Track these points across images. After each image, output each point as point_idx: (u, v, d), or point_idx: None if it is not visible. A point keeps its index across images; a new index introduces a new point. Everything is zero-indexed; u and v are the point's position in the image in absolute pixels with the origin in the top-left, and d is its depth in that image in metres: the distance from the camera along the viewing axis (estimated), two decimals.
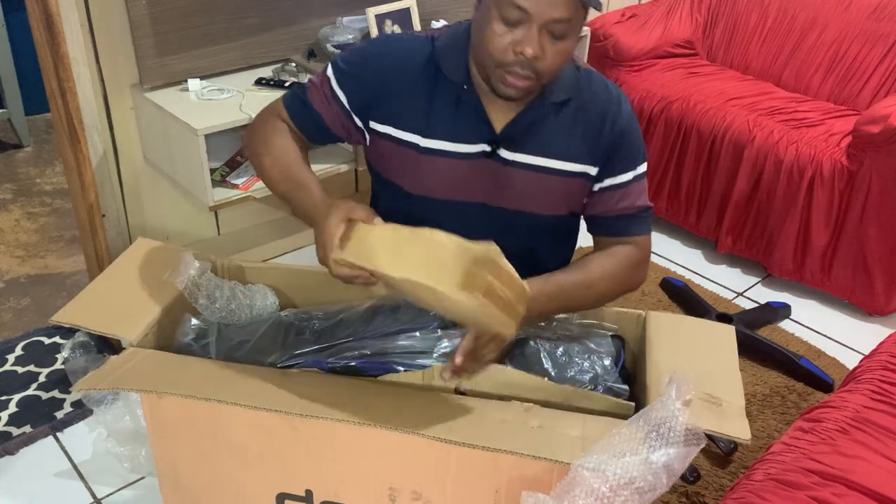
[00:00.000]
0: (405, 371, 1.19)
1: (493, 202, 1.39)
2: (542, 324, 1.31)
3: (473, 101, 1.33)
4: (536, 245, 1.44)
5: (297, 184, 1.33)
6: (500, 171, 1.36)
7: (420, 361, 1.21)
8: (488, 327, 1.10)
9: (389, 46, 1.39)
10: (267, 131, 1.41)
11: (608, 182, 1.40)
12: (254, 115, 2.07)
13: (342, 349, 1.25)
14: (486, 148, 1.34)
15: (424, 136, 1.35)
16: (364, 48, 1.42)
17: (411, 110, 1.35)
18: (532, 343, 1.25)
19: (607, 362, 1.24)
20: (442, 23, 2.60)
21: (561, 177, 1.37)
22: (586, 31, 2.84)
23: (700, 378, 1.16)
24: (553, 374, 1.21)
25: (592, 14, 3.15)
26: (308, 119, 1.41)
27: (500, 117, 1.34)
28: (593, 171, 1.39)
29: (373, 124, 1.38)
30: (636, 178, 1.42)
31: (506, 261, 1.06)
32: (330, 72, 1.39)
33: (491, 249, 1.04)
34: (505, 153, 1.35)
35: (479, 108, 1.33)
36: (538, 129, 1.35)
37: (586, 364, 1.23)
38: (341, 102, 1.38)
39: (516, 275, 1.07)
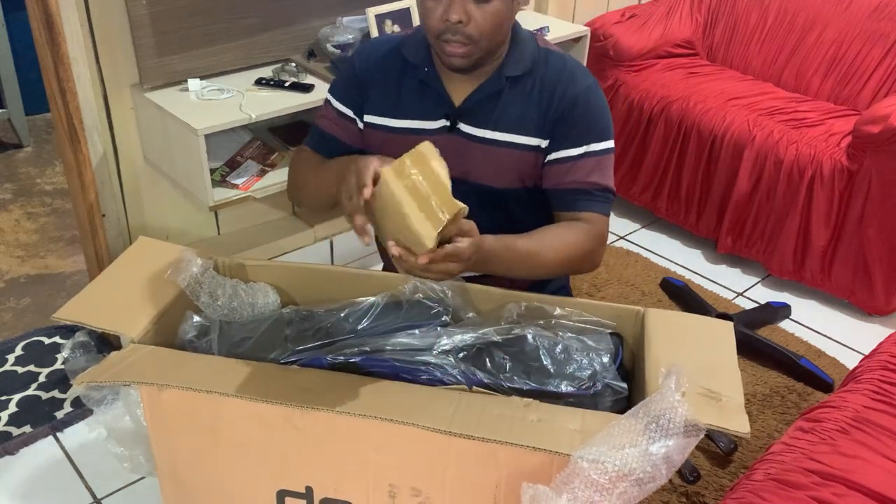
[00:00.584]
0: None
1: (461, 176, 1.43)
2: (541, 322, 1.31)
3: (433, 79, 1.45)
4: (509, 220, 1.48)
5: (328, 168, 1.46)
6: (462, 145, 1.45)
7: (419, 358, 1.21)
8: (407, 226, 1.12)
9: (364, 49, 1.54)
10: (298, 167, 1.59)
11: (556, 155, 1.44)
12: (254, 115, 2.09)
13: (342, 346, 1.26)
14: (447, 123, 1.45)
15: (394, 117, 1.48)
16: (348, 60, 1.58)
17: (384, 97, 1.48)
18: (531, 340, 1.26)
19: (606, 359, 1.24)
20: None
21: (513, 149, 1.45)
22: (586, 31, 2.84)
23: (699, 373, 1.16)
24: (552, 370, 1.22)
25: (591, 14, 3.15)
26: (326, 145, 1.55)
27: (458, 93, 1.45)
28: (544, 143, 1.44)
29: (365, 118, 1.51)
30: (588, 154, 1.44)
31: (439, 163, 1.14)
32: (328, 96, 1.56)
33: (424, 145, 1.15)
34: (464, 127, 1.45)
35: (439, 86, 1.45)
36: (494, 103, 1.44)
37: (585, 361, 1.23)
38: (346, 115, 1.53)
39: (445, 179, 1.13)
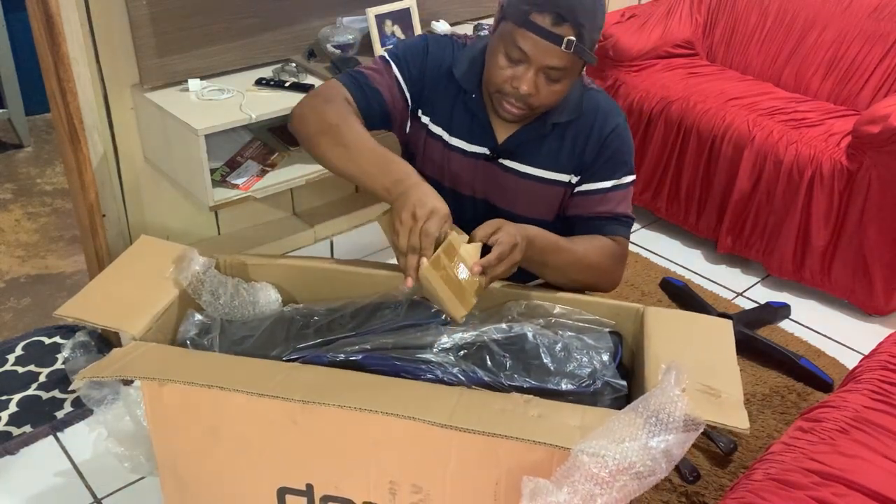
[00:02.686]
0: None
1: (493, 201, 1.53)
2: (541, 321, 1.32)
3: (480, 110, 1.48)
4: None
5: (386, 157, 1.35)
6: (499, 175, 1.51)
7: (420, 356, 1.21)
8: (440, 304, 1.28)
9: (437, 46, 1.50)
10: (339, 107, 1.41)
11: (587, 187, 1.50)
12: (254, 116, 2.08)
13: (343, 344, 1.26)
14: (488, 153, 1.50)
15: (449, 132, 1.51)
16: (416, 44, 1.51)
17: (442, 108, 1.50)
18: (531, 338, 1.26)
19: (605, 358, 1.24)
20: (442, 23, 2.61)
21: (546, 184, 1.51)
22: None
23: (699, 370, 1.17)
24: (552, 368, 1.22)
25: None
26: (372, 98, 1.46)
27: (502, 129, 1.49)
28: (574, 179, 1.51)
29: (418, 112, 1.52)
30: (617, 187, 1.51)
31: (465, 250, 1.27)
32: (389, 58, 1.49)
33: (454, 237, 1.26)
34: (504, 160, 1.50)
35: (485, 118, 1.48)
36: (536, 143, 1.48)
37: (585, 359, 1.23)
38: (401, 85, 1.49)
39: (473, 264, 1.27)
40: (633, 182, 1.53)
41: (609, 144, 1.48)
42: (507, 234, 1.30)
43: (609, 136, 1.48)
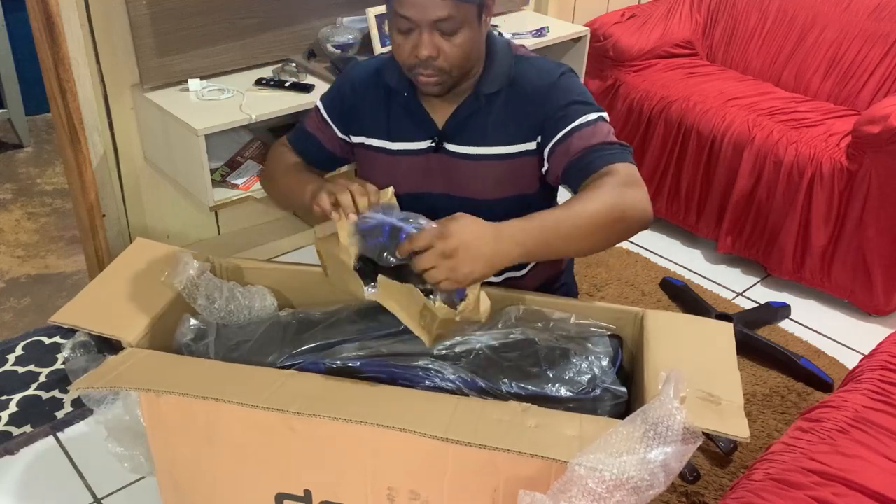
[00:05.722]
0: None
1: (453, 191, 1.50)
2: (539, 324, 1.31)
3: (414, 103, 1.48)
4: None
5: (302, 178, 1.50)
6: (450, 163, 1.48)
7: (417, 363, 1.21)
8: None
9: (353, 71, 1.57)
10: (274, 158, 1.62)
11: (552, 140, 1.41)
12: (254, 116, 2.09)
13: (340, 350, 1.25)
14: (432, 144, 1.48)
15: (389, 139, 1.51)
16: (338, 80, 1.60)
17: (375, 120, 1.51)
18: (529, 344, 1.25)
19: (605, 363, 1.23)
20: None
21: (504, 160, 1.46)
22: (586, 31, 2.84)
23: (698, 376, 1.16)
24: (551, 374, 1.21)
25: (591, 14, 3.15)
26: (308, 143, 1.59)
27: (440, 114, 1.48)
28: (533, 145, 1.45)
29: (353, 139, 1.55)
30: (584, 125, 1.38)
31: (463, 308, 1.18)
32: (318, 104, 1.59)
33: (449, 314, 1.15)
34: (450, 146, 1.48)
35: (420, 110, 1.48)
36: (475, 120, 1.46)
37: (584, 365, 1.22)
38: (327, 121, 1.57)
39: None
40: (601, 118, 1.40)
41: (553, 94, 1.41)
42: (429, 228, 1.16)
43: (552, 87, 1.42)
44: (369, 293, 1.22)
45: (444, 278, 1.13)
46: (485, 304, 1.22)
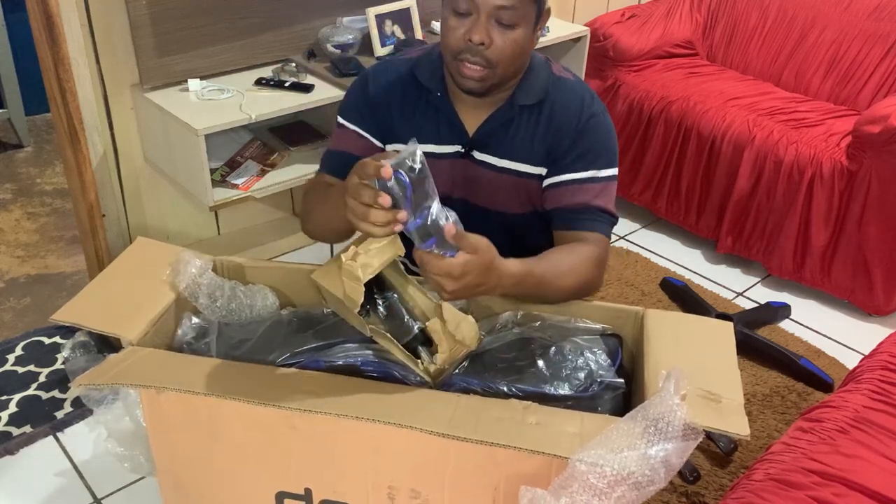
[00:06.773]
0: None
1: (471, 199, 1.50)
2: (537, 324, 1.31)
3: (447, 106, 1.45)
4: (515, 242, 1.46)
5: (336, 191, 1.35)
6: (474, 169, 1.48)
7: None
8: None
9: (376, 72, 1.50)
10: (307, 197, 1.52)
11: (560, 178, 1.45)
12: (254, 115, 2.09)
13: (341, 348, 1.25)
14: (461, 149, 1.47)
15: (418, 142, 1.42)
16: (355, 89, 1.52)
17: (405, 122, 1.48)
18: (528, 344, 1.25)
19: (603, 359, 1.23)
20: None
21: (520, 177, 1.47)
22: (586, 31, 2.84)
23: (699, 375, 1.16)
24: (549, 374, 1.21)
25: (591, 14, 3.15)
26: (339, 161, 1.48)
27: (471, 121, 1.45)
28: (544, 171, 1.46)
29: (386, 146, 1.50)
30: (595, 179, 1.43)
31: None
32: (340, 119, 1.52)
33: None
34: (477, 154, 1.47)
35: (452, 113, 1.45)
36: (505, 131, 1.45)
37: (580, 361, 1.22)
38: (360, 133, 1.49)
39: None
40: (613, 177, 1.45)
41: (585, 133, 1.43)
42: (466, 262, 1.14)
43: (586, 125, 1.43)
44: (371, 329, 1.20)
45: (446, 292, 1.16)
46: (473, 329, 1.23)
